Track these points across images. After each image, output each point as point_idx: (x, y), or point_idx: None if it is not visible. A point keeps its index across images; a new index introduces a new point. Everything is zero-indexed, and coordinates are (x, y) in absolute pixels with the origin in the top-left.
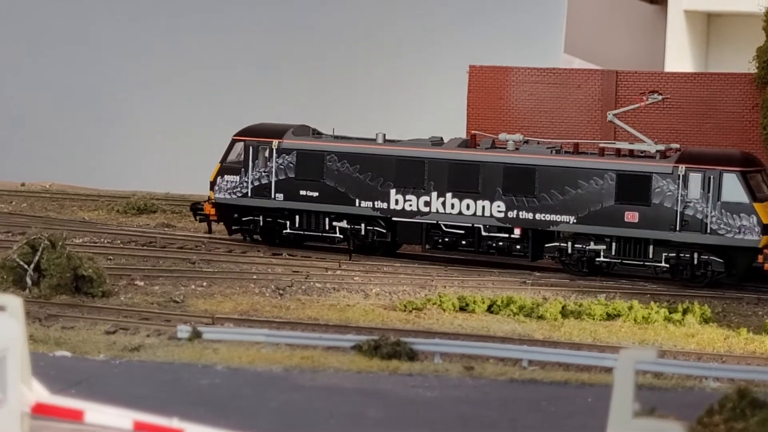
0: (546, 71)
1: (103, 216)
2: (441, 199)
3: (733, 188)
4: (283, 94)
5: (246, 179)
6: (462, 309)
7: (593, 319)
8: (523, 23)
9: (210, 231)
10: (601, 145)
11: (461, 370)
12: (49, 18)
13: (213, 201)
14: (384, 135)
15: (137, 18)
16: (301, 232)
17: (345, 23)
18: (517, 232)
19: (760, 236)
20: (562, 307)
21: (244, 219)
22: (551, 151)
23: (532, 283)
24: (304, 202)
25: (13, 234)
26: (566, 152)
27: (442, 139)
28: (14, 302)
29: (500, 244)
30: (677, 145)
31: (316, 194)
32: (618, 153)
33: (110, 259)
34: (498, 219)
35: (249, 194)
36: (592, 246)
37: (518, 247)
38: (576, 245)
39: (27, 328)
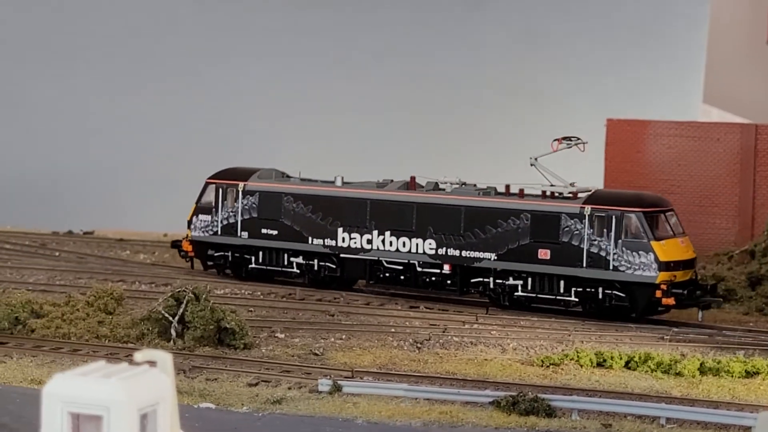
0: (684, 124)
1: None
2: (381, 237)
3: (633, 227)
4: (418, 140)
5: (216, 218)
6: (599, 365)
7: (732, 376)
8: (661, 73)
9: (192, 267)
10: (520, 187)
11: (599, 427)
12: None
13: (189, 239)
14: (342, 178)
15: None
16: (264, 267)
17: (481, 72)
18: (447, 268)
19: (658, 272)
20: (701, 364)
21: (216, 255)
22: (479, 192)
23: (671, 339)
24: (266, 240)
25: (156, 285)
26: (497, 194)
27: (392, 181)
28: (165, 358)
29: (433, 279)
30: (595, 187)
31: (275, 232)
32: (543, 195)
33: (251, 310)
34: (430, 256)
35: (219, 232)
36: (511, 281)
37: (449, 282)
38: (497, 281)
39: (174, 379)
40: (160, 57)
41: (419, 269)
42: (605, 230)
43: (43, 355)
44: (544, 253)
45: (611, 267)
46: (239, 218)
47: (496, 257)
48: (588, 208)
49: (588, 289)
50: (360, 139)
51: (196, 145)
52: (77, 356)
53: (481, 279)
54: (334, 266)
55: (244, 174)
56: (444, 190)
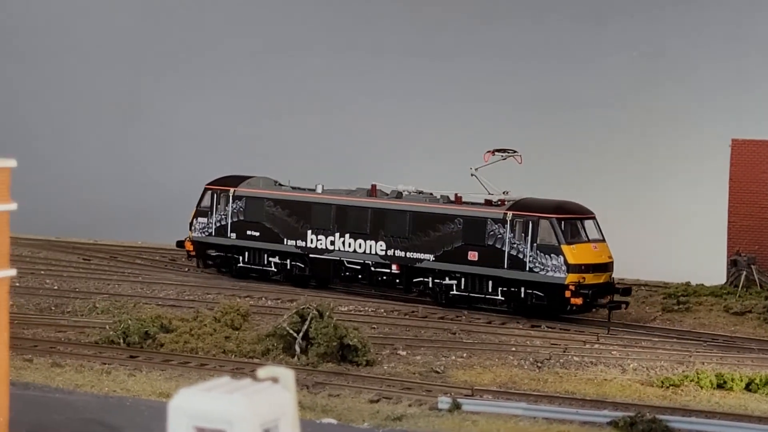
0: None
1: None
2: (342, 239)
3: (545, 232)
4: (537, 160)
5: (212, 221)
6: (719, 386)
7: None
8: None
9: (198, 265)
10: (458, 194)
11: None
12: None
13: (191, 239)
14: (323, 186)
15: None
16: (250, 266)
17: (602, 90)
18: (395, 268)
19: (566, 274)
20: None
21: (213, 254)
22: (425, 199)
23: None
24: (250, 241)
25: (282, 301)
26: (447, 201)
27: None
28: (287, 375)
29: (384, 278)
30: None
31: (257, 234)
32: (488, 202)
33: (374, 327)
34: (380, 256)
35: (213, 233)
36: (447, 281)
37: (397, 281)
38: (435, 280)
39: (295, 396)
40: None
41: (372, 269)
42: (523, 234)
43: (171, 369)
44: (473, 255)
45: (527, 268)
46: (229, 221)
47: (434, 258)
48: (510, 214)
49: (512, 289)
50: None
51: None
52: (204, 371)
53: (422, 279)
54: (303, 266)
55: (236, 181)
56: (401, 197)
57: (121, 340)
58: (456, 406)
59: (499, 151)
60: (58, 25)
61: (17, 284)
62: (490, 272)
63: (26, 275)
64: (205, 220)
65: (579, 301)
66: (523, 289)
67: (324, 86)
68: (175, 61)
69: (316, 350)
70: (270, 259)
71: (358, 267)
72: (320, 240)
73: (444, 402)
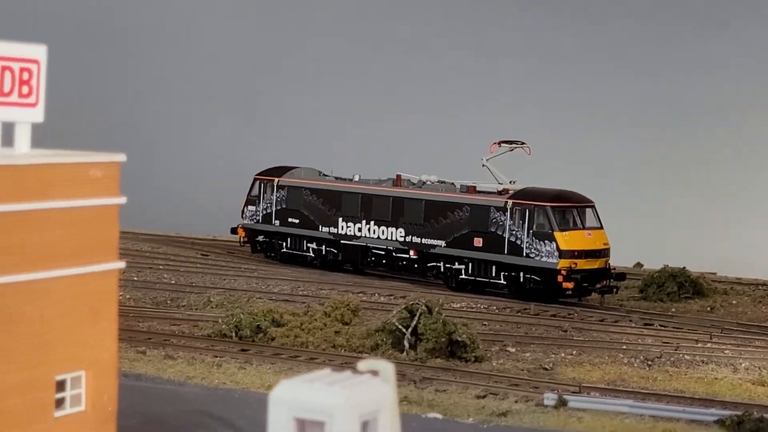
0: None
1: None
2: (368, 226)
3: (540, 220)
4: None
5: (259, 208)
6: None
7: None
8: None
9: (252, 251)
10: (471, 183)
11: None
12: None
13: (242, 226)
14: (359, 175)
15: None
16: (291, 252)
17: (719, 91)
18: (412, 253)
19: (558, 259)
20: None
21: (260, 240)
22: (440, 189)
23: None
24: (291, 227)
25: (394, 297)
26: (461, 190)
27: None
28: (388, 368)
29: (404, 263)
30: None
31: (297, 221)
32: (503, 191)
33: (485, 324)
34: (400, 243)
35: (260, 221)
36: (456, 266)
37: (415, 266)
38: (446, 265)
39: (403, 390)
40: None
41: (393, 254)
42: (521, 222)
43: (281, 362)
44: (478, 241)
45: (525, 254)
46: (273, 209)
47: (445, 244)
48: (510, 203)
49: (512, 274)
50: (605, 158)
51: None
52: (313, 365)
53: (435, 263)
54: (336, 251)
55: (280, 171)
56: (424, 186)
57: (233, 334)
58: (562, 403)
59: (505, 142)
60: (175, 23)
61: (135, 278)
62: (492, 257)
63: (145, 270)
64: (254, 208)
65: (570, 285)
66: (521, 274)
67: (435, 85)
68: (288, 60)
69: (424, 346)
70: (308, 244)
71: (382, 252)
72: (350, 227)
73: (550, 398)
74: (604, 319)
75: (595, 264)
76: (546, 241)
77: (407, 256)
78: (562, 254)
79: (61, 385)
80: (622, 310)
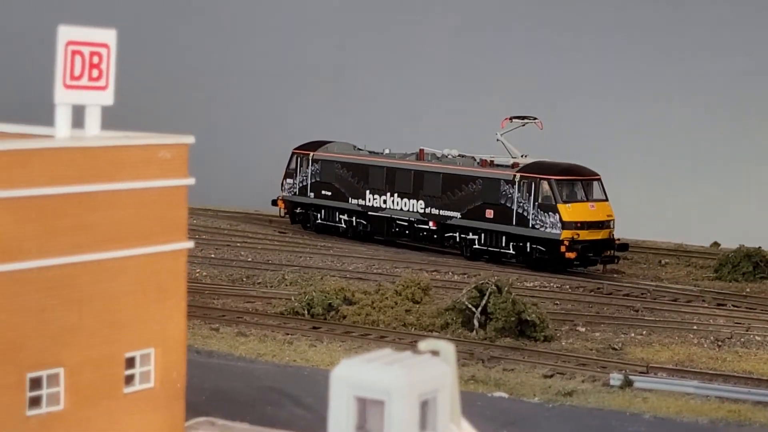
0: None
1: None
2: (392, 198)
3: (545, 192)
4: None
5: (296, 181)
6: None
7: None
8: None
9: (291, 222)
10: (484, 157)
11: None
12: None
13: (282, 198)
14: (389, 149)
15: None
16: (325, 222)
17: None
18: (431, 224)
19: (561, 230)
20: None
21: (298, 211)
22: (457, 162)
23: None
24: (324, 200)
25: (468, 276)
26: (482, 164)
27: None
28: (447, 348)
29: (425, 233)
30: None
31: (330, 193)
32: (514, 165)
33: (557, 303)
34: (420, 214)
35: (297, 193)
36: (470, 236)
37: (435, 236)
38: (462, 235)
39: (471, 369)
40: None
41: (415, 225)
42: (528, 194)
43: (351, 340)
44: (489, 213)
45: (530, 225)
46: (309, 181)
47: (460, 215)
48: (518, 176)
49: (519, 244)
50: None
51: None
52: (383, 343)
53: (452, 234)
54: (365, 222)
55: (315, 146)
56: (446, 159)
57: (306, 311)
58: (628, 383)
59: (516, 117)
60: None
61: (213, 256)
62: (502, 228)
63: (222, 247)
64: (291, 180)
65: (572, 255)
66: (528, 244)
67: (520, 61)
68: (377, 37)
69: (494, 325)
70: (340, 216)
71: (405, 224)
72: (376, 199)
73: (616, 379)
74: (677, 299)
75: (598, 235)
76: (550, 213)
77: (427, 227)
78: (565, 225)
79: (130, 362)
80: (695, 290)
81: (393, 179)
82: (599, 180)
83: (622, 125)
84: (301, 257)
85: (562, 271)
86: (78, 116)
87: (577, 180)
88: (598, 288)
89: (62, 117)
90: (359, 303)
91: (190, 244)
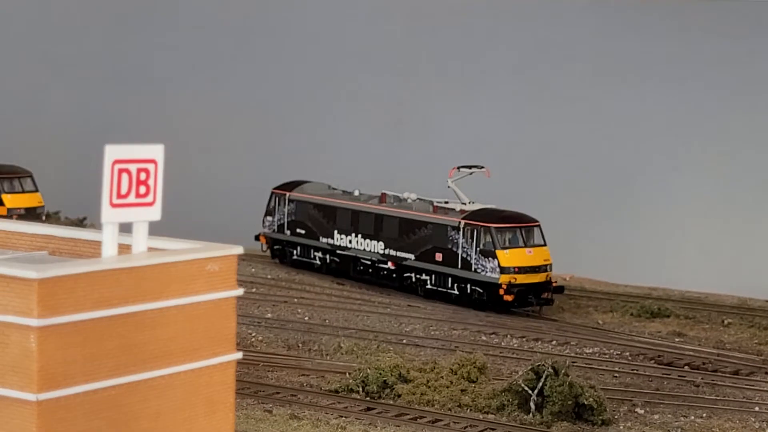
0: None
1: (617, 319)
2: (357, 239)
3: (485, 239)
4: None
5: (275, 219)
6: None
7: None
8: None
9: (272, 257)
10: (436, 203)
11: None
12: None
13: (263, 234)
14: (359, 190)
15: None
16: (300, 259)
17: None
18: (390, 264)
19: (499, 275)
20: None
21: (275, 248)
22: (413, 207)
23: None
24: (298, 237)
25: (527, 339)
26: (428, 209)
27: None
28: None
29: (384, 272)
30: (491, 206)
31: (304, 231)
32: (462, 211)
33: (616, 376)
34: (381, 255)
35: (276, 230)
36: (423, 276)
37: (394, 276)
38: (416, 276)
39: None
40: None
41: (376, 265)
42: (471, 240)
43: (405, 425)
44: (439, 256)
45: (473, 269)
46: (285, 220)
47: (414, 257)
48: (463, 222)
49: (462, 286)
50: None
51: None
52: (436, 429)
53: (408, 274)
54: (337, 260)
55: (292, 185)
56: (405, 203)
57: (360, 389)
58: None
59: (464, 167)
60: (329, 31)
61: (269, 316)
62: (448, 271)
63: (279, 304)
64: (271, 218)
65: (510, 297)
66: (469, 286)
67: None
68: (441, 70)
69: (550, 408)
70: (314, 253)
71: (369, 263)
72: (342, 238)
73: None
74: (738, 371)
75: (535, 278)
76: (490, 258)
77: (387, 266)
78: (503, 270)
79: None
80: (758, 359)
81: (357, 221)
82: (538, 226)
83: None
84: (358, 316)
85: (474, 306)
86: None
87: (515, 227)
88: (659, 356)
89: (109, 236)
90: (414, 381)
91: (239, 356)
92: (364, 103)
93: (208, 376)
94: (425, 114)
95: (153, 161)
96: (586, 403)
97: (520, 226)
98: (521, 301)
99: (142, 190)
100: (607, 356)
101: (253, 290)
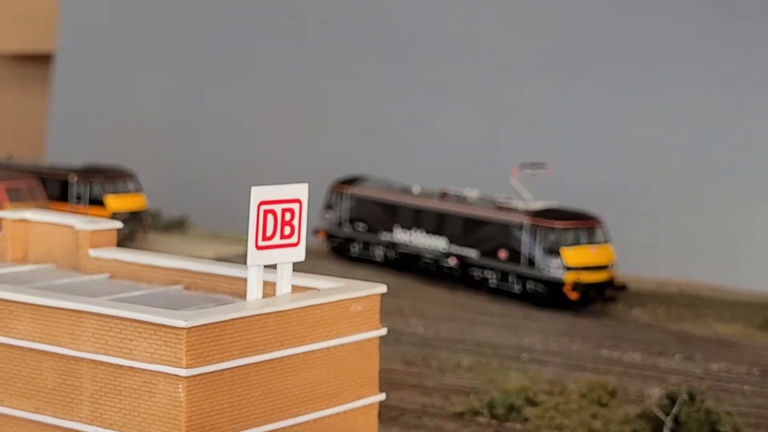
0: None
1: (740, 330)
2: (419, 235)
3: (550, 238)
4: None
5: (336, 214)
6: None
7: None
8: None
9: (331, 251)
10: (503, 201)
11: None
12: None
13: (321, 229)
14: (420, 187)
15: None
16: (359, 254)
17: None
18: (453, 261)
19: (564, 272)
20: None
21: (334, 243)
22: (477, 205)
23: None
24: (359, 233)
25: (649, 354)
26: (491, 207)
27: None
28: None
29: (447, 269)
30: (555, 203)
31: (363, 227)
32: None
33: (746, 397)
34: (443, 251)
35: (336, 225)
36: (485, 274)
37: (455, 273)
38: (479, 273)
39: None
40: None
41: (438, 262)
42: (536, 239)
43: None
44: (503, 254)
45: (537, 267)
46: (345, 215)
47: (477, 255)
48: (528, 223)
49: (526, 283)
50: None
51: None
52: None
53: (471, 271)
54: (396, 256)
55: (353, 181)
56: (464, 199)
57: (486, 412)
58: None
59: (530, 165)
60: (424, 22)
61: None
62: (513, 268)
63: (392, 314)
64: (331, 213)
65: (575, 296)
66: (534, 284)
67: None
68: (542, 62)
69: None
70: (374, 248)
71: (430, 260)
72: (404, 234)
73: None
74: None
75: (598, 277)
76: (555, 257)
77: (448, 263)
78: (569, 268)
79: None
80: None
81: (419, 217)
82: (601, 225)
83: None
84: (474, 327)
85: (537, 304)
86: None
87: (579, 227)
88: None
89: (254, 279)
90: (542, 405)
91: (382, 397)
92: (460, 94)
93: (352, 419)
94: (525, 105)
95: (298, 201)
96: (722, 430)
97: (583, 226)
98: (585, 298)
99: (287, 230)
100: (734, 373)
101: None
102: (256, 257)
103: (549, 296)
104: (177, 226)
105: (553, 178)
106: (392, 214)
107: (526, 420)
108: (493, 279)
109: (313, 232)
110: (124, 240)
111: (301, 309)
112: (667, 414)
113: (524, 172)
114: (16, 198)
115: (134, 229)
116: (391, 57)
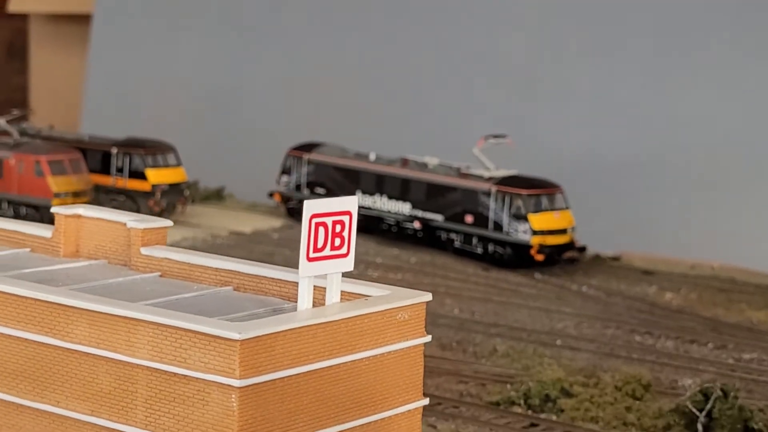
0: None
1: None
2: (381, 199)
3: (517, 204)
4: None
5: (292, 178)
6: None
7: None
8: None
9: (287, 214)
10: (462, 169)
11: None
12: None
13: (277, 191)
14: (375, 154)
15: None
16: None
17: None
18: (417, 224)
19: (531, 236)
20: None
21: (290, 205)
22: (440, 172)
23: None
24: (317, 195)
25: (682, 341)
26: (456, 174)
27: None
28: None
29: (410, 232)
30: (515, 172)
31: (322, 191)
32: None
33: None
34: (406, 215)
35: (293, 188)
36: (452, 236)
37: (418, 235)
38: (446, 234)
39: None
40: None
41: (402, 225)
42: (502, 205)
43: None
44: (469, 218)
45: (504, 231)
46: (303, 180)
47: (443, 219)
48: (494, 189)
49: (490, 245)
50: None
51: None
52: None
53: (436, 233)
54: (358, 218)
55: (309, 147)
56: (426, 166)
57: (522, 402)
58: None
59: (493, 136)
60: None
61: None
62: (480, 232)
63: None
64: (287, 177)
65: (541, 257)
66: (499, 246)
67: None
68: (577, 32)
69: (719, 431)
70: None
71: (392, 223)
72: (365, 199)
73: None
74: None
75: (561, 240)
76: (521, 221)
77: (412, 226)
78: (535, 232)
79: None
80: None
81: (381, 182)
82: (562, 192)
83: None
84: (507, 310)
85: (502, 265)
86: None
87: (542, 193)
88: None
89: (305, 290)
90: (578, 396)
91: (425, 402)
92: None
93: (396, 424)
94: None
95: (348, 213)
96: (755, 427)
97: (547, 192)
98: (549, 259)
99: (337, 242)
100: (766, 364)
101: (399, 276)
102: (307, 269)
103: (515, 258)
104: (215, 197)
105: (575, 150)
106: (354, 179)
107: (561, 411)
108: (458, 241)
109: (268, 194)
110: (163, 212)
111: (350, 319)
112: (701, 410)
113: (488, 143)
114: (59, 171)
115: (173, 202)
116: (431, 29)
